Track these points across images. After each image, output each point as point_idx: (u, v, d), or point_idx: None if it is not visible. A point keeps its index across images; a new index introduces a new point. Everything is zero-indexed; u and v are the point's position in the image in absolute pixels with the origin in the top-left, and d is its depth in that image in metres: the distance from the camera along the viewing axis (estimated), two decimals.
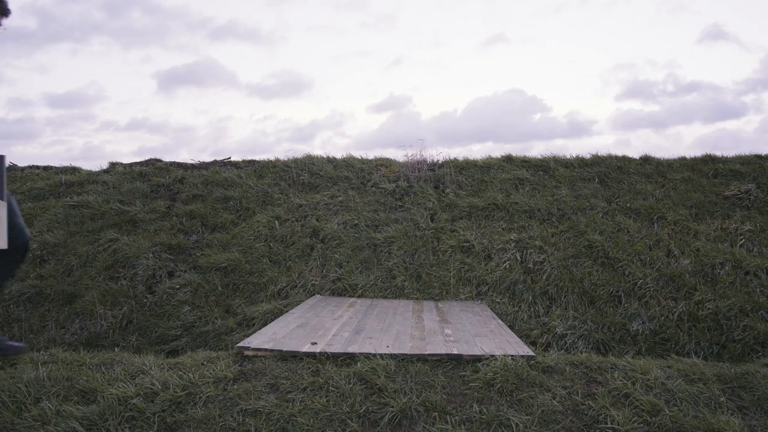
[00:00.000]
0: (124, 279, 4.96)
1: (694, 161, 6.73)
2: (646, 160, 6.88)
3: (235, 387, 2.41)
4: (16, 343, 2.88)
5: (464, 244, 5.37)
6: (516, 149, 11.20)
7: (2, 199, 2.42)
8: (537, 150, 20.06)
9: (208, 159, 7.42)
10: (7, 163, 2.52)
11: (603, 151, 7.02)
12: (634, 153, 7.20)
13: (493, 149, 23.07)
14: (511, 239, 5.36)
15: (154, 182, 6.55)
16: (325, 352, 2.74)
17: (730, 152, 6.98)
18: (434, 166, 6.81)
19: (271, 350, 2.78)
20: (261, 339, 3.01)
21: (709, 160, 6.71)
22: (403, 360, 2.71)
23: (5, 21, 2.73)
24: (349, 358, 2.71)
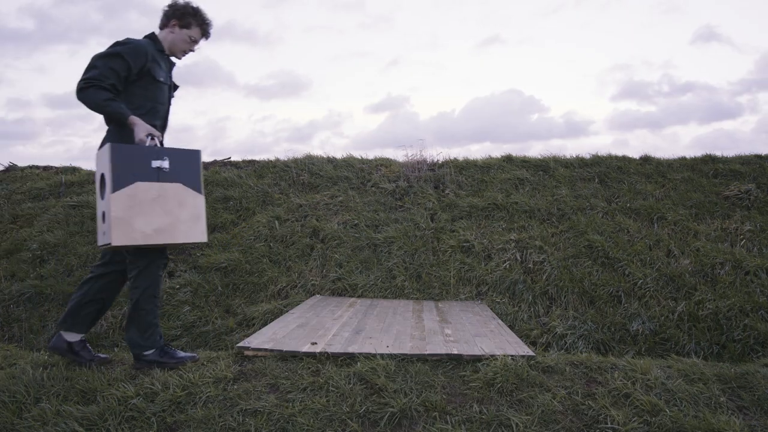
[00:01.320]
0: None
1: (694, 161, 6.73)
2: (646, 160, 6.88)
3: (235, 387, 2.41)
4: (186, 354, 2.74)
5: (464, 244, 5.36)
6: (514, 149, 11.18)
7: (200, 193, 2.56)
8: (535, 150, 20.03)
9: (207, 159, 7.43)
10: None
11: (601, 151, 7.02)
12: (632, 153, 7.20)
13: (491, 149, 23.10)
14: (511, 239, 5.36)
15: None
16: (325, 352, 2.74)
17: (728, 152, 6.99)
18: (434, 166, 6.80)
19: (271, 350, 2.78)
20: (261, 339, 3.01)
21: (709, 160, 6.71)
22: (403, 360, 2.71)
23: (203, 42, 2.83)
24: (349, 358, 2.71)
